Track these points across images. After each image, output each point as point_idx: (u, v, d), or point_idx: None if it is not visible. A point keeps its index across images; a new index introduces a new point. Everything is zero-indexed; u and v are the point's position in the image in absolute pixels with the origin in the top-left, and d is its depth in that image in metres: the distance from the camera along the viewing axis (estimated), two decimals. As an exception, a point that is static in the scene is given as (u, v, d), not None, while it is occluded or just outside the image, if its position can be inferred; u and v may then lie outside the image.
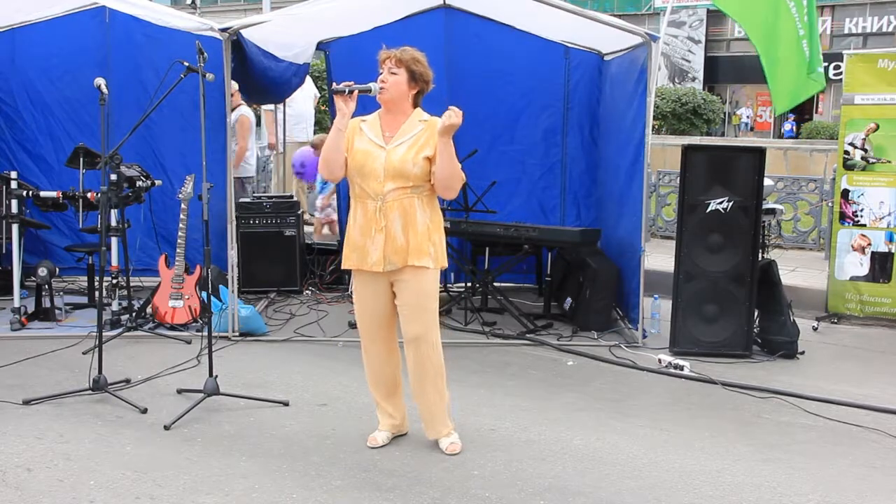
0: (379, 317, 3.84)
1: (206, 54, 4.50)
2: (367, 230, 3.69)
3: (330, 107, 7.35)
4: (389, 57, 3.68)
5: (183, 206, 5.81)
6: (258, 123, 9.33)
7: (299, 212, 7.19)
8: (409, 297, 3.74)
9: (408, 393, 3.99)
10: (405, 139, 3.68)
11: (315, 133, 9.81)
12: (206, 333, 4.53)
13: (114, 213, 5.84)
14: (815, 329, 6.18)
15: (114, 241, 5.98)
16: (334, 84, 3.63)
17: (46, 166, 6.94)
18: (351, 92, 3.64)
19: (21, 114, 6.95)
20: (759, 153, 5.48)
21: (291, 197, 7.45)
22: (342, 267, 3.88)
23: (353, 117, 3.71)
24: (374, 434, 3.94)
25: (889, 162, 6.34)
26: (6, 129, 6.96)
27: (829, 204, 7.39)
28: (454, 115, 3.52)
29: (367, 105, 3.80)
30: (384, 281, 3.76)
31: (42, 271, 5.84)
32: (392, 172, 3.63)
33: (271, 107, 8.60)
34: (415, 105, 3.77)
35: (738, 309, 5.42)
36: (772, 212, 5.92)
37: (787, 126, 26.52)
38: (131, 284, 6.04)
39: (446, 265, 3.84)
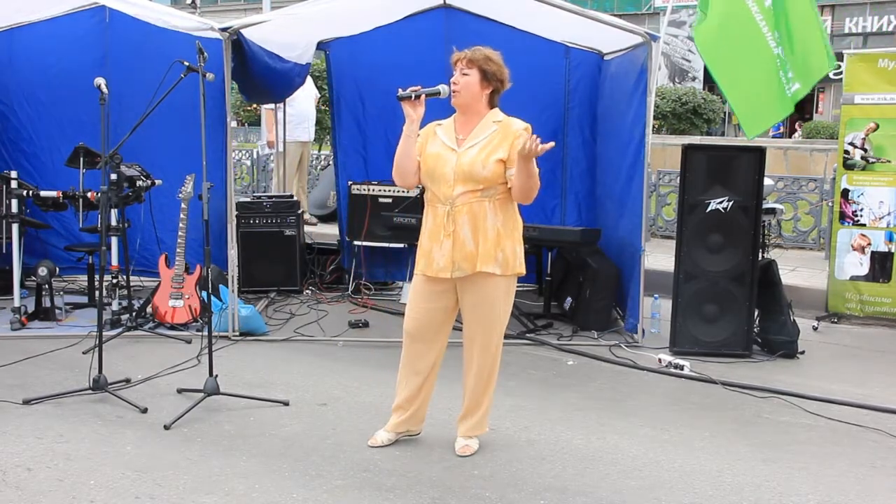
0: (434, 321, 3.77)
1: (206, 54, 4.50)
2: (435, 235, 3.64)
3: (331, 107, 7.38)
4: (460, 58, 3.62)
5: (183, 205, 5.81)
6: (258, 123, 9.34)
7: (299, 212, 7.19)
8: (470, 301, 3.70)
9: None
10: (477, 141, 3.62)
11: (316, 132, 9.80)
12: (206, 333, 4.54)
13: (114, 212, 5.84)
14: (815, 329, 6.18)
15: (114, 240, 5.99)
16: (399, 90, 3.55)
17: (42, 166, 6.93)
18: (418, 97, 3.56)
19: (17, 113, 6.95)
20: (759, 153, 5.48)
21: (291, 197, 7.44)
22: (414, 272, 3.80)
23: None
24: (377, 434, 3.92)
25: (889, 161, 6.34)
26: (1, 128, 6.95)
27: (829, 204, 7.39)
28: (535, 148, 3.35)
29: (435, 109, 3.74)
30: (450, 286, 3.70)
31: (42, 271, 5.84)
32: (461, 175, 3.57)
33: (272, 105, 8.60)
34: (491, 105, 3.70)
35: (738, 309, 5.42)
36: (772, 211, 5.92)
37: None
38: (131, 284, 6.04)
39: (523, 272, 3.75)
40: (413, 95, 3.57)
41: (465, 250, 3.60)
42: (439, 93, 3.62)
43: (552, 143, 3.44)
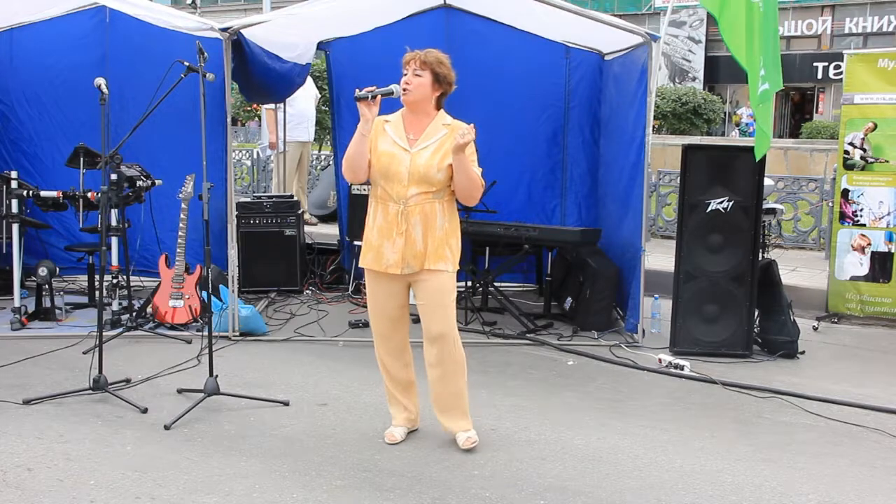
0: (392, 317, 3.88)
1: (206, 54, 4.51)
2: (386, 233, 3.71)
3: (331, 107, 7.38)
4: (414, 58, 3.69)
5: (183, 205, 5.81)
6: (258, 123, 9.32)
7: (299, 212, 7.19)
8: (428, 297, 3.78)
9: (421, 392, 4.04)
10: (429, 143, 3.71)
11: (316, 132, 9.80)
12: (206, 333, 4.54)
13: (114, 212, 5.84)
14: (815, 329, 6.18)
15: (114, 240, 5.99)
16: (357, 91, 3.64)
17: (42, 166, 6.92)
18: (374, 97, 3.63)
19: (17, 113, 6.94)
20: (760, 153, 5.47)
21: (291, 197, 7.45)
22: (359, 265, 3.89)
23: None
24: (392, 430, 3.97)
25: (887, 161, 6.34)
26: (2, 128, 6.95)
27: (830, 204, 7.39)
28: (468, 134, 3.56)
29: (390, 105, 3.80)
30: (400, 282, 3.80)
31: (42, 271, 5.84)
32: (417, 177, 3.66)
33: (272, 106, 8.61)
34: (438, 107, 3.79)
35: (739, 309, 5.42)
36: (772, 211, 5.92)
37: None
38: (131, 284, 6.04)
39: (458, 266, 3.87)
40: (370, 96, 3.63)
41: (415, 249, 3.71)
42: (392, 92, 3.70)
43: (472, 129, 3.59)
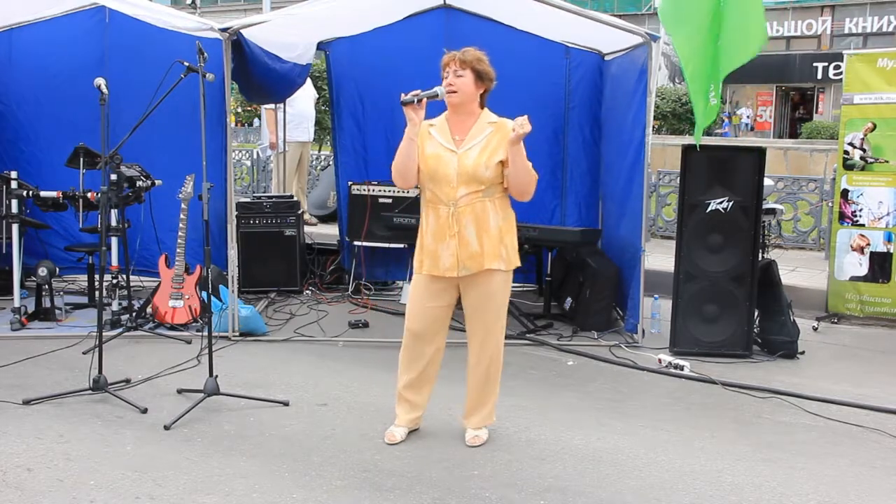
0: (438, 318, 3.86)
1: (206, 54, 4.51)
2: (440, 235, 3.70)
3: (331, 107, 7.38)
4: (453, 59, 3.68)
5: (183, 205, 5.81)
6: (257, 123, 9.31)
7: (299, 212, 7.19)
8: (476, 298, 3.78)
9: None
10: (476, 142, 3.69)
11: (316, 132, 9.79)
12: (206, 333, 4.54)
13: (114, 212, 5.84)
14: (815, 329, 6.18)
15: (114, 240, 5.99)
16: (402, 95, 3.63)
17: (42, 166, 6.90)
18: (420, 101, 3.63)
19: (17, 113, 6.93)
20: (759, 153, 5.48)
21: (291, 197, 7.45)
22: (415, 272, 3.85)
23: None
24: (392, 430, 3.96)
25: (887, 162, 6.34)
26: (1, 128, 6.95)
27: (829, 204, 7.39)
28: (525, 125, 3.56)
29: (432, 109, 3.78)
30: (453, 284, 3.79)
31: (42, 271, 5.84)
32: (465, 177, 3.65)
33: (272, 106, 8.61)
34: (482, 105, 3.78)
35: (738, 309, 5.42)
36: (772, 212, 5.92)
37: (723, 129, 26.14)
38: (131, 284, 6.04)
39: (519, 264, 3.86)
40: (415, 100, 3.62)
41: (470, 250, 3.68)
42: (437, 95, 3.69)
43: (526, 121, 3.59)
